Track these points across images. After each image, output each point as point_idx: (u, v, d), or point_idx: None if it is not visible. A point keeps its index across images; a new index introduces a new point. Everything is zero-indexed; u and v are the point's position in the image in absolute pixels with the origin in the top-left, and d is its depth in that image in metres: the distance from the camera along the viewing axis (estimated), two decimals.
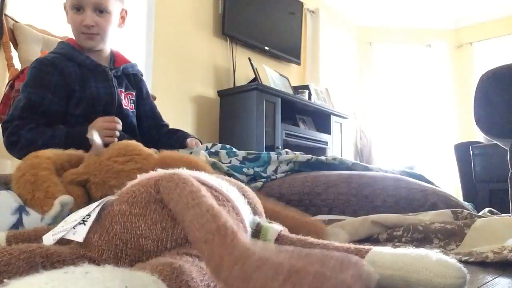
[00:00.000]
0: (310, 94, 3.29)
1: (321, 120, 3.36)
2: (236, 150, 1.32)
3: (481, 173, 2.52)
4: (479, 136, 3.03)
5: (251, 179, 1.22)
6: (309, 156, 1.33)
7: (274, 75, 3.05)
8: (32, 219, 0.69)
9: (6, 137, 1.14)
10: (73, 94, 1.21)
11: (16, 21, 1.71)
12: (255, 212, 0.55)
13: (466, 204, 1.12)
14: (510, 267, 0.61)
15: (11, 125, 1.13)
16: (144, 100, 1.43)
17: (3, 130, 1.16)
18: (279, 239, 0.51)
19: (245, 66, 3.02)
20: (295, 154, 1.36)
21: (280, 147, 2.73)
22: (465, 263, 0.60)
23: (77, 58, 1.24)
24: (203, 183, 0.45)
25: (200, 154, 1.18)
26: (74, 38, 1.27)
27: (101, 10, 1.21)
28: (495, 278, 0.54)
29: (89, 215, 0.44)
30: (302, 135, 3.05)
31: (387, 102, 4.63)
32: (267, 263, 0.27)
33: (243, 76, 3.06)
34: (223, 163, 1.22)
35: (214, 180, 0.48)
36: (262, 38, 3.20)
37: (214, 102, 2.88)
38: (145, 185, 0.44)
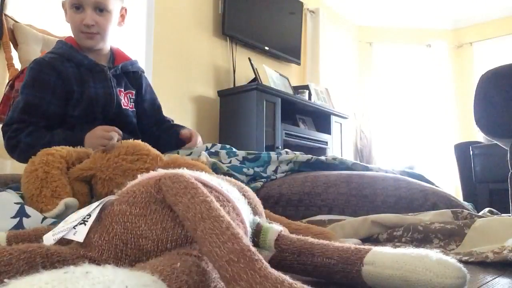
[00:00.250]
0: (310, 94, 3.29)
1: (321, 120, 3.36)
2: (236, 150, 1.32)
3: (481, 173, 2.52)
4: (479, 136, 3.03)
5: (251, 179, 1.22)
6: (309, 156, 1.33)
7: (274, 75, 3.05)
8: (32, 221, 0.69)
9: (6, 141, 1.14)
10: (72, 95, 1.19)
11: (16, 21, 1.71)
12: (255, 212, 0.55)
13: (466, 204, 1.12)
14: (510, 267, 0.61)
15: (10, 128, 1.13)
16: (143, 97, 1.39)
17: (3, 133, 1.15)
18: (279, 239, 0.51)
19: (245, 66, 3.02)
20: (295, 154, 1.36)
21: (280, 147, 2.73)
22: (465, 263, 0.60)
23: (75, 58, 1.21)
24: (204, 183, 0.45)
25: (201, 155, 1.18)
26: (73, 37, 1.26)
27: (101, 9, 1.19)
28: (495, 278, 0.54)
29: (89, 215, 0.44)
30: (302, 135, 3.05)
31: (387, 102, 4.63)
32: None
33: (243, 76, 3.06)
34: (223, 163, 1.22)
35: (215, 180, 0.48)
36: (262, 38, 3.20)
37: (214, 102, 2.88)
38: (146, 185, 0.44)
